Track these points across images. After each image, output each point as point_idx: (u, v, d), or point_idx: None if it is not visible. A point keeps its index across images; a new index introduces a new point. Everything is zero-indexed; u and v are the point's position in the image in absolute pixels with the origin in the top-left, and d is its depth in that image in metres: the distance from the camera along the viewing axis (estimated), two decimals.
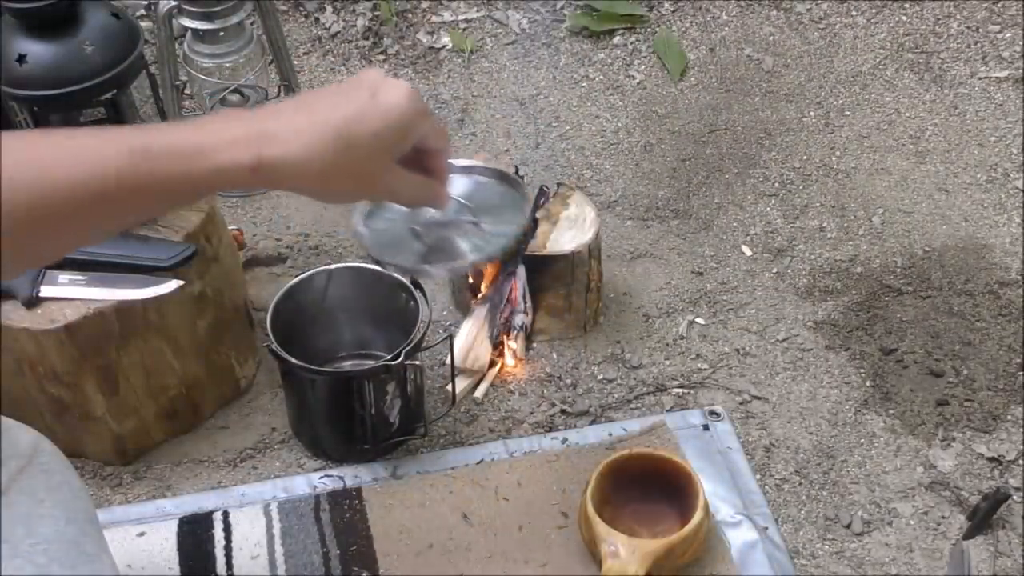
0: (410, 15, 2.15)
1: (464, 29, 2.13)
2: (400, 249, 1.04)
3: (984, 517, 1.34)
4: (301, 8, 2.16)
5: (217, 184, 0.85)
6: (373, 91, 0.87)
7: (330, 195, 0.92)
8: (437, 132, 0.93)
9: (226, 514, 1.36)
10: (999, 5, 2.11)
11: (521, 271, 1.53)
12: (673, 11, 2.14)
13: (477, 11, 2.16)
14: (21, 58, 1.26)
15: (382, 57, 2.09)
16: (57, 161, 0.80)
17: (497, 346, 1.54)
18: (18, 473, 0.91)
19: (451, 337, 1.47)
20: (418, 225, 1.04)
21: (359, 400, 1.37)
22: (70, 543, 0.95)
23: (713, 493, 1.36)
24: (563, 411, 1.50)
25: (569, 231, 1.53)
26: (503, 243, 1.05)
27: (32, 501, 0.92)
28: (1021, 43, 2.05)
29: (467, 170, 1.09)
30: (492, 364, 1.54)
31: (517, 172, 1.58)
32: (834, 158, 1.89)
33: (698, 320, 1.62)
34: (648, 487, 1.32)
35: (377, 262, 1.05)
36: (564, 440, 1.45)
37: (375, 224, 1.06)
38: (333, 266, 1.48)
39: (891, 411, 1.50)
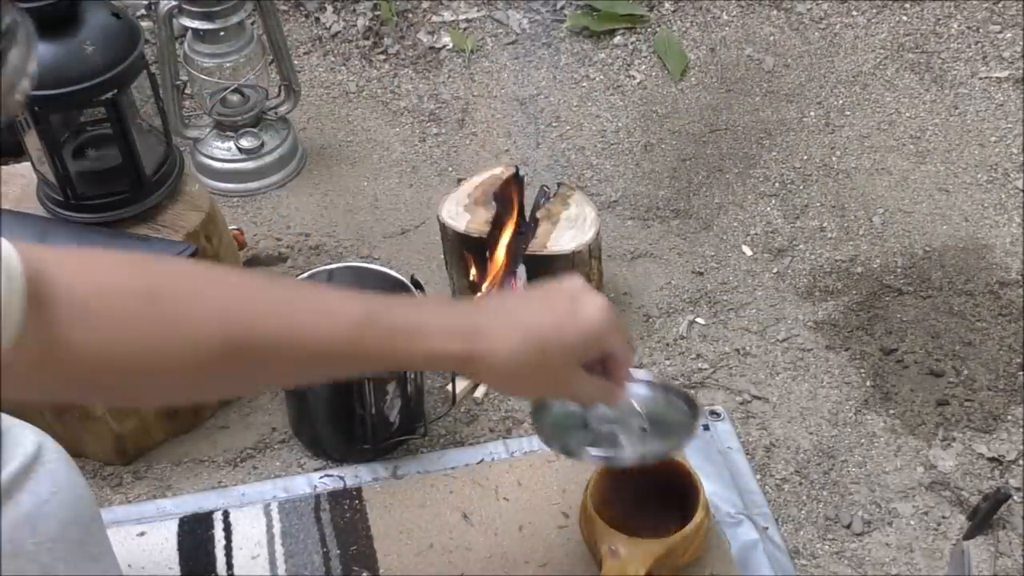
0: (410, 15, 2.15)
1: (464, 29, 2.13)
2: (568, 434, 1.12)
3: (984, 517, 1.34)
4: (301, 8, 2.16)
5: (426, 365, 0.96)
6: (574, 303, 0.95)
7: (517, 391, 1.04)
8: (624, 344, 1.00)
9: (226, 514, 1.36)
10: (1000, 5, 2.11)
11: (521, 271, 1.53)
12: (673, 11, 2.14)
13: (477, 11, 2.16)
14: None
15: (382, 57, 2.09)
16: (292, 310, 0.87)
17: None
18: (23, 472, 0.92)
19: None
20: (589, 416, 1.12)
21: (359, 400, 1.37)
22: (74, 543, 0.95)
23: (713, 493, 1.35)
24: None
25: (569, 231, 1.53)
26: (664, 449, 1.14)
27: (36, 501, 0.92)
28: (1021, 43, 2.04)
29: (646, 383, 1.18)
30: None
31: (517, 172, 1.59)
32: (834, 158, 1.89)
33: (698, 320, 1.62)
34: (648, 487, 1.32)
35: (547, 444, 1.14)
36: None
37: (550, 406, 1.15)
38: (333, 266, 1.48)
39: (891, 411, 1.50)
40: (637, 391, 1.14)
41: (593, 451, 1.11)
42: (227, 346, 0.83)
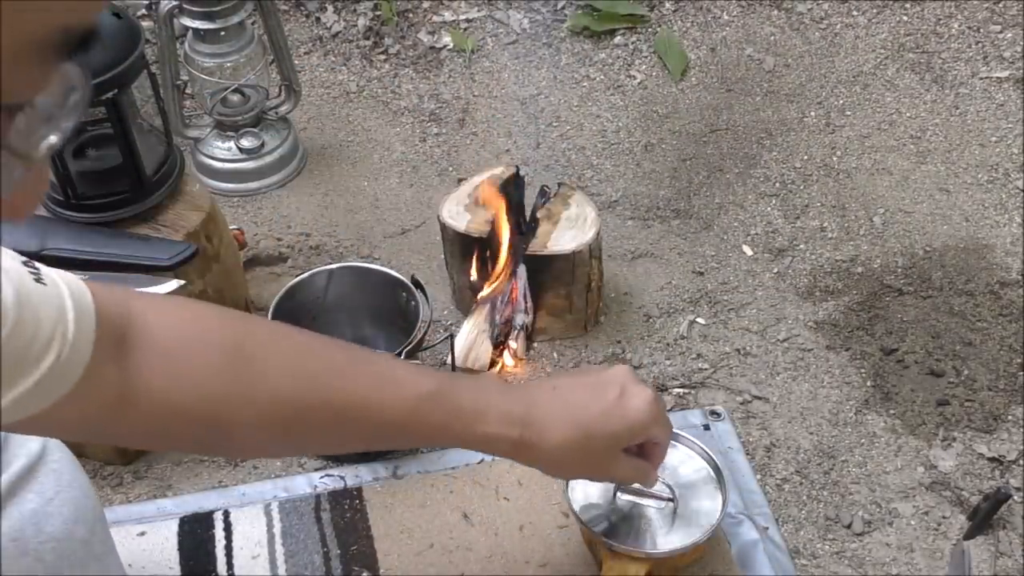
0: (411, 15, 2.15)
1: (465, 29, 2.13)
2: (596, 507, 1.22)
3: (985, 517, 1.34)
4: (302, 8, 2.16)
5: (480, 445, 0.99)
6: (621, 394, 1.00)
7: (562, 474, 1.10)
8: (665, 431, 1.05)
9: (227, 514, 1.36)
10: (1000, 5, 2.11)
11: (522, 271, 1.53)
12: (674, 11, 2.14)
13: (478, 11, 2.16)
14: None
15: (383, 57, 2.09)
16: (364, 379, 0.91)
17: (498, 346, 1.54)
18: (28, 472, 0.92)
19: (452, 337, 1.47)
20: (621, 488, 1.20)
21: None
22: (79, 542, 0.95)
23: None
24: None
25: (570, 231, 1.53)
26: (692, 540, 1.19)
27: (41, 500, 0.92)
28: (1022, 43, 2.04)
29: (675, 439, 1.25)
30: (493, 364, 1.54)
31: (518, 172, 1.58)
32: (835, 158, 1.89)
33: (699, 320, 1.62)
34: None
35: (577, 518, 1.22)
36: None
37: None
38: (334, 266, 1.48)
39: (892, 411, 1.50)
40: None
41: (624, 546, 1.19)
42: (300, 408, 0.87)
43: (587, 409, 0.98)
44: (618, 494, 1.21)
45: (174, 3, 1.69)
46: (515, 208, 1.56)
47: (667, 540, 1.20)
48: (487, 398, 0.96)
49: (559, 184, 1.61)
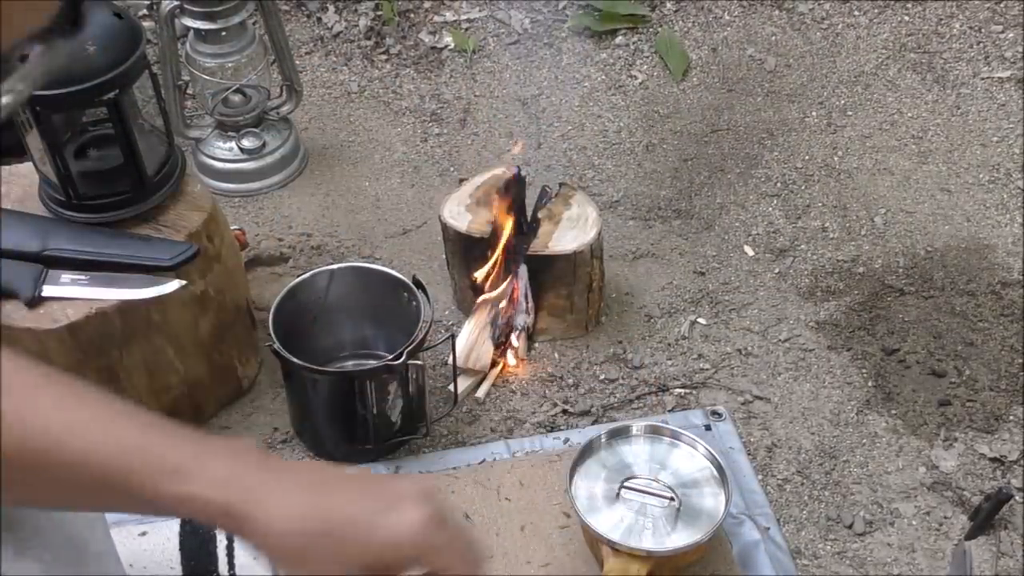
0: (412, 15, 2.15)
1: (466, 29, 2.13)
2: (599, 506, 1.23)
3: (986, 517, 1.34)
4: (303, 8, 2.16)
5: (180, 510, 0.80)
6: (388, 507, 0.79)
7: (290, 569, 0.81)
8: (455, 563, 0.81)
9: None
10: (1001, 5, 2.11)
11: (523, 271, 1.53)
12: (675, 11, 2.14)
13: (479, 11, 2.16)
14: (23, 58, 1.26)
15: (384, 57, 2.09)
16: (59, 428, 0.78)
17: (499, 346, 1.54)
18: None
19: (453, 337, 1.47)
20: (624, 484, 1.22)
21: (361, 400, 1.37)
22: (78, 542, 0.95)
23: None
24: (565, 411, 1.50)
25: (571, 231, 1.53)
26: (695, 540, 1.20)
27: None
28: (1023, 43, 2.04)
29: (673, 434, 1.28)
30: (494, 364, 1.54)
31: (519, 172, 1.58)
32: (836, 158, 1.89)
33: (700, 320, 1.62)
34: None
35: (580, 516, 1.23)
36: (566, 440, 1.45)
37: (587, 473, 1.26)
38: (335, 266, 1.48)
39: (893, 411, 1.50)
40: (661, 449, 1.26)
41: (626, 545, 1.19)
42: (8, 456, 0.77)
43: (338, 506, 0.79)
44: (621, 493, 1.21)
45: (175, 3, 1.69)
46: (517, 208, 1.56)
47: (669, 539, 1.20)
48: (203, 455, 0.79)
49: (560, 184, 1.61)
